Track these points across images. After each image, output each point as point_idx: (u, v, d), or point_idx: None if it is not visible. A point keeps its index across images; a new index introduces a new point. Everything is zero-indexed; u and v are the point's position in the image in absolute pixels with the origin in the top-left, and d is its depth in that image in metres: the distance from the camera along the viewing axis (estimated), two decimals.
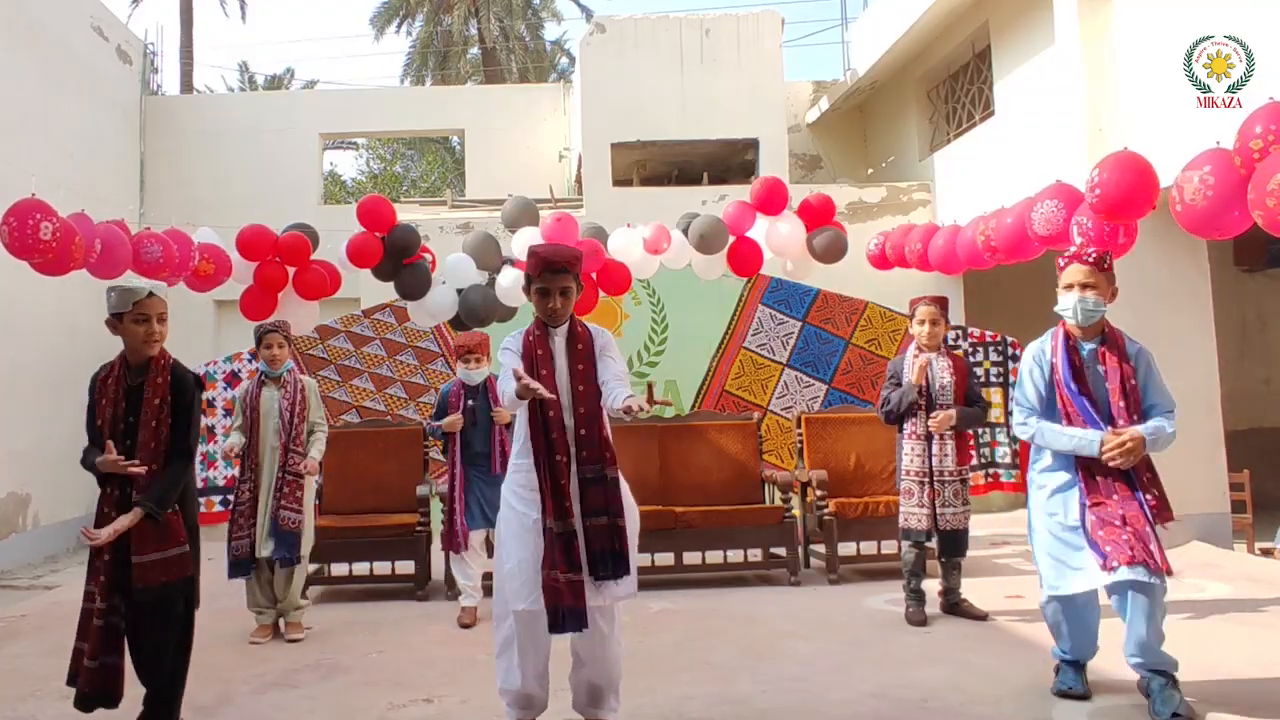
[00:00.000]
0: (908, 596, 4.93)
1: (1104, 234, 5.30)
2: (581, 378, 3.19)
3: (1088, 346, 3.47)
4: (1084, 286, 3.40)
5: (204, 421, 7.03)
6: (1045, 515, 3.51)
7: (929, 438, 4.80)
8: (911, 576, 4.90)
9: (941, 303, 4.95)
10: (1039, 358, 3.56)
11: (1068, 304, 3.44)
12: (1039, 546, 3.55)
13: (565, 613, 3.00)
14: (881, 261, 7.73)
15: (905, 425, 4.86)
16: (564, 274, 3.19)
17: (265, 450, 4.94)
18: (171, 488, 3.20)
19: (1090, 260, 3.42)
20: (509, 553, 3.16)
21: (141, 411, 3.18)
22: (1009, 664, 3.86)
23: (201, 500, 6.94)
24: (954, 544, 4.86)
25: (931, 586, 5.03)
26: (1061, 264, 3.52)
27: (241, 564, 4.87)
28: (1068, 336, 3.48)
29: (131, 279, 3.30)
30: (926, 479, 4.78)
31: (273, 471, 4.92)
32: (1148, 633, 3.26)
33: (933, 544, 4.98)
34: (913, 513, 4.82)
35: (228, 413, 7.19)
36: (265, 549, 4.86)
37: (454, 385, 5.40)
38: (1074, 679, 3.60)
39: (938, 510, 4.78)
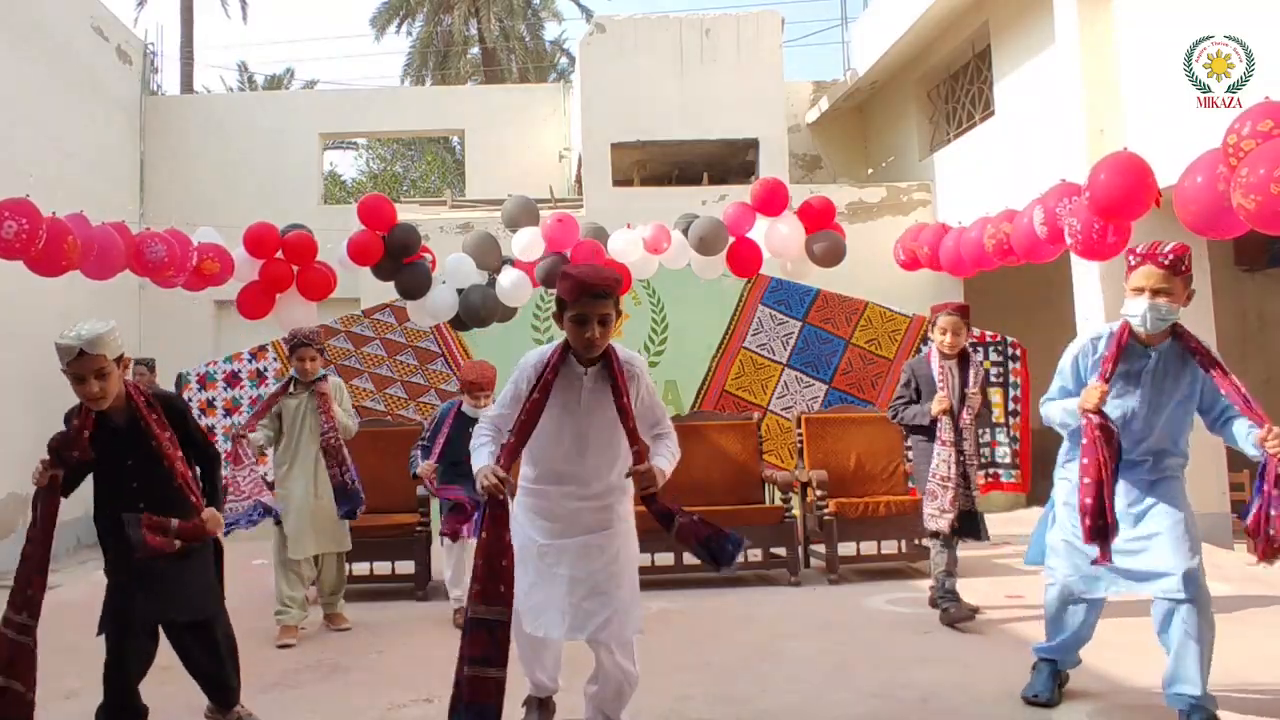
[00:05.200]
0: (943, 597, 4.81)
1: (1092, 234, 5.33)
2: (614, 422, 2.99)
3: (1154, 353, 3.25)
4: (1156, 292, 3.11)
5: (204, 422, 7.04)
6: (1066, 508, 3.42)
7: (958, 445, 4.73)
8: (947, 576, 4.79)
9: (963, 311, 4.89)
10: (1089, 349, 3.34)
11: (1136, 310, 3.16)
12: (1057, 535, 3.48)
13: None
14: (911, 264, 7.77)
15: (938, 431, 4.77)
16: (604, 299, 2.86)
17: (301, 454, 5.00)
18: (218, 490, 3.42)
19: (1166, 264, 3.12)
20: (521, 575, 3.01)
21: (149, 450, 3.11)
22: (1009, 664, 3.86)
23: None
24: (974, 525, 4.78)
25: (924, 585, 5.02)
26: (1132, 263, 3.22)
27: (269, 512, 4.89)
28: (1130, 337, 3.25)
29: (67, 334, 2.97)
30: (950, 483, 4.70)
31: (315, 472, 5.00)
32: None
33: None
34: (933, 515, 4.74)
35: (228, 412, 7.20)
36: (310, 548, 4.96)
37: (453, 409, 5.32)
38: (1044, 684, 3.54)
39: (971, 492, 4.75)
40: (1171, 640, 3.17)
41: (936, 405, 4.77)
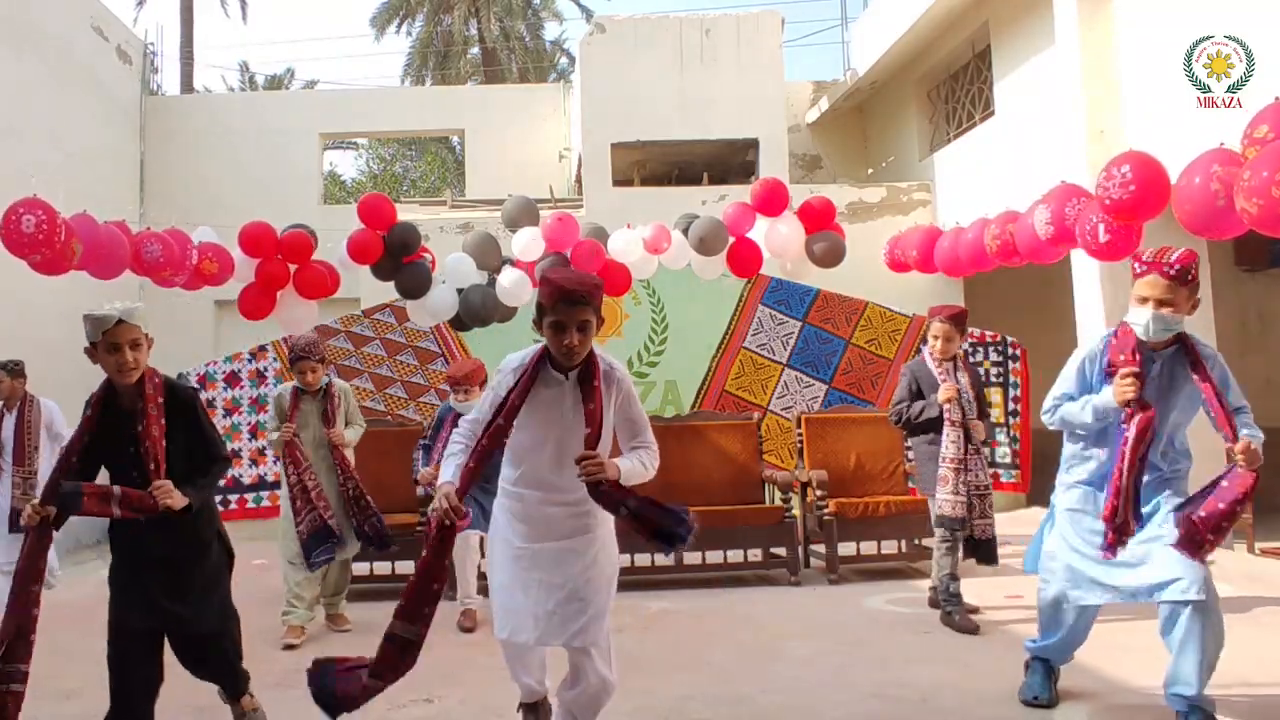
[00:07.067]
0: (947, 600, 4.75)
1: (1086, 233, 5.33)
2: (594, 426, 2.79)
3: (1158, 357, 3.23)
4: (1160, 303, 3.07)
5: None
6: (1068, 514, 3.43)
7: (966, 438, 4.73)
8: (951, 580, 4.73)
9: (957, 318, 4.86)
10: (1096, 354, 3.34)
11: (1140, 320, 3.15)
12: (1055, 540, 3.49)
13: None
14: (898, 265, 7.77)
15: (945, 413, 4.73)
16: (583, 306, 2.75)
17: (312, 456, 4.95)
18: (209, 485, 3.23)
19: (1172, 274, 3.06)
20: (495, 575, 3.06)
21: (141, 445, 3.02)
22: (1009, 664, 3.85)
23: (233, 498, 7.08)
24: (988, 553, 4.75)
25: (924, 585, 5.02)
26: (1137, 270, 3.18)
27: (318, 536, 4.83)
28: (1136, 342, 3.23)
29: (104, 304, 3.03)
30: (962, 467, 4.68)
31: (325, 481, 4.92)
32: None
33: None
34: (947, 499, 4.67)
35: (228, 412, 7.21)
36: (346, 551, 4.93)
37: (450, 410, 5.39)
38: (1041, 685, 3.53)
39: (974, 521, 4.69)
40: (1174, 641, 3.16)
41: (943, 393, 4.74)
